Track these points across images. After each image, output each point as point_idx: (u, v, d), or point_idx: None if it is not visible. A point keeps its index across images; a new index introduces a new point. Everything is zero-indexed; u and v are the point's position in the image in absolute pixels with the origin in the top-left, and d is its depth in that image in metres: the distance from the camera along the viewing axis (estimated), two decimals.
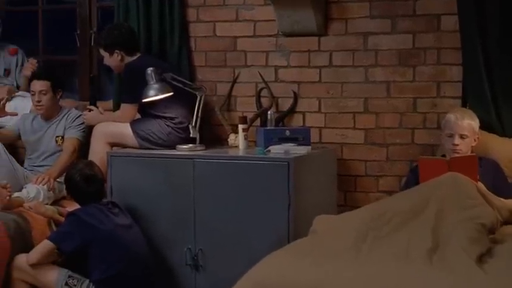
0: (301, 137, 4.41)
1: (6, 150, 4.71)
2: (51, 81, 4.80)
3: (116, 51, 4.62)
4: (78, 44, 5.44)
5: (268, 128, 4.47)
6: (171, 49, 4.87)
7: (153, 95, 4.40)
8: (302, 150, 4.23)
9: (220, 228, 4.17)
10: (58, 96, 4.89)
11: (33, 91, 4.81)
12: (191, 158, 4.26)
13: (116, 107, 4.90)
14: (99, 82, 5.04)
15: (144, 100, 4.45)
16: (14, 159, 4.77)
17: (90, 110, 4.80)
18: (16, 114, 4.91)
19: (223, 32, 4.85)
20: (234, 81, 4.83)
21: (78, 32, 5.44)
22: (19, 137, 5.01)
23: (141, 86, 4.44)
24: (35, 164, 4.91)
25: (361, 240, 2.96)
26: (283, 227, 4.02)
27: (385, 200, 3.52)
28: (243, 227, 4.11)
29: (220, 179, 4.18)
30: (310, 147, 4.32)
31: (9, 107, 5.12)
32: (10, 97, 5.05)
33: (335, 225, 3.31)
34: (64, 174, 4.40)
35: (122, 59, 4.64)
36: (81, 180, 4.01)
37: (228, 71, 4.85)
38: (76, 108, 5.06)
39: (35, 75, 4.88)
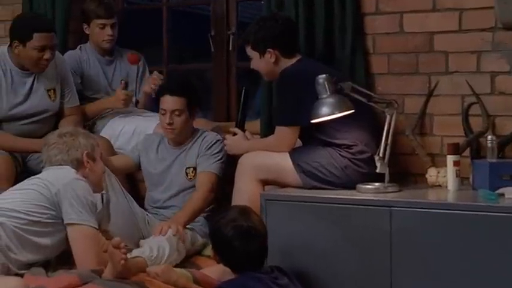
0: None
1: (123, 188, 3.58)
2: (187, 98, 3.69)
3: (269, 49, 3.44)
4: (213, 49, 4.36)
5: (492, 160, 3.13)
6: (341, 51, 3.68)
7: (328, 113, 3.17)
8: None
9: None
10: (194, 116, 3.79)
11: (163, 109, 3.70)
12: (387, 206, 2.99)
13: (266, 130, 3.73)
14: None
15: (313, 121, 3.22)
16: (132, 198, 3.65)
17: (234, 134, 3.61)
18: None
19: (414, 26, 3.64)
20: (430, 94, 3.59)
21: (213, 34, 4.35)
22: (139, 166, 3.88)
23: (305, 101, 3.26)
24: (157, 205, 3.79)
25: None
26: None
27: None
28: None
29: (430, 236, 2.93)
30: None
31: (127, 129, 4.09)
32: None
33: None
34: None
35: (276, 61, 3.46)
36: (236, 237, 2.81)
37: (422, 80, 3.63)
38: (213, 131, 3.91)
39: (168, 89, 3.76)
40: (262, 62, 3.48)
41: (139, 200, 3.85)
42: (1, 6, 4.64)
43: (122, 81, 4.11)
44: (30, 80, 3.86)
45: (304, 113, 3.25)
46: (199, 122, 4.00)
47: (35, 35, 3.69)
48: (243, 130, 3.62)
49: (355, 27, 3.65)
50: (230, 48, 4.28)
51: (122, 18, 4.56)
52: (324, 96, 3.16)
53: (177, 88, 3.71)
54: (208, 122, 4.17)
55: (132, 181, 4.09)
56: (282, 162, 3.35)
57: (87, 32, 4.28)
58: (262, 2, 3.91)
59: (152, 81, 4.12)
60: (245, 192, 3.37)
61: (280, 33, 3.44)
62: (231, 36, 4.27)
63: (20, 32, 3.75)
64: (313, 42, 3.69)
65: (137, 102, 4.31)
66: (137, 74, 4.32)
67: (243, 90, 3.73)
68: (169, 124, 3.66)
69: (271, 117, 3.69)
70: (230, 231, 2.83)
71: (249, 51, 3.51)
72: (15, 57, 3.79)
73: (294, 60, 3.45)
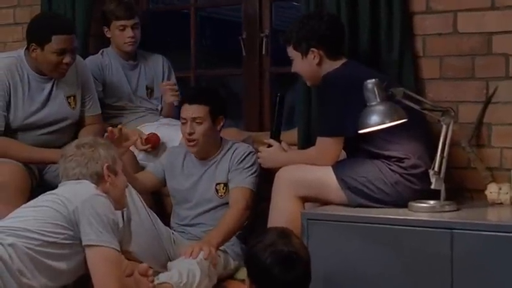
0: None
1: (145, 205, 3.28)
2: (209, 106, 3.40)
3: (313, 49, 3.14)
4: (244, 53, 4.04)
5: None
6: (387, 54, 3.36)
7: (378, 123, 2.85)
8: None
9: None
10: (219, 126, 3.46)
11: (183, 119, 3.42)
12: (448, 228, 2.66)
13: (304, 141, 3.42)
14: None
15: (361, 131, 2.89)
16: (156, 216, 3.34)
17: (269, 146, 3.29)
18: None
19: (470, 26, 3.32)
20: (488, 101, 3.26)
21: (244, 37, 4.03)
22: (164, 182, 3.58)
23: (350, 108, 2.96)
24: (184, 222, 3.49)
25: None
26: None
27: None
28: None
29: (497, 262, 2.60)
30: None
31: None
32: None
33: None
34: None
35: (320, 62, 3.16)
36: (275, 263, 2.46)
37: (478, 86, 3.30)
38: (244, 142, 3.62)
39: (186, 98, 3.51)
40: (305, 64, 3.16)
41: (165, 216, 3.56)
42: (19, 8, 4.41)
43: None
44: (49, 86, 3.58)
45: (349, 121, 2.94)
46: (229, 132, 3.72)
47: (54, 38, 3.42)
48: (279, 141, 3.31)
49: (403, 27, 3.35)
50: (263, 52, 3.97)
51: (147, 20, 4.28)
52: (374, 103, 2.83)
53: (196, 96, 3.45)
54: (240, 131, 3.88)
55: (157, 196, 3.79)
56: (324, 177, 3.02)
57: (108, 36, 4.02)
58: (297, 4, 3.61)
59: (168, 91, 3.86)
60: (283, 210, 3.05)
61: (326, 32, 3.13)
62: (264, 39, 3.96)
63: (37, 34, 3.47)
64: (357, 44, 3.37)
65: (161, 109, 4.03)
66: (162, 80, 4.03)
67: (278, 97, 3.41)
68: (190, 134, 3.37)
69: (310, 126, 3.40)
70: (268, 257, 2.48)
71: (290, 51, 3.20)
72: (33, 61, 3.51)
73: (339, 63, 3.14)
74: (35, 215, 2.71)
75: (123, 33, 3.92)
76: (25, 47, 3.55)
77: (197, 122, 3.38)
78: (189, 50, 4.24)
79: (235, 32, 4.14)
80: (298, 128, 3.49)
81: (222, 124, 3.48)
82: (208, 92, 3.56)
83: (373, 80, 2.84)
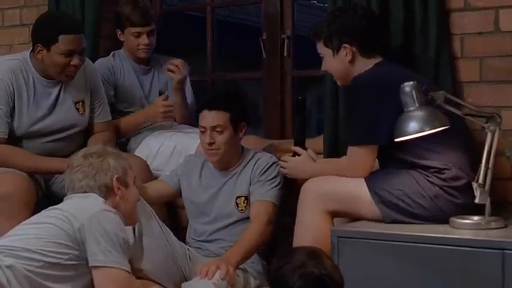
0: None
1: (158, 219, 3.04)
2: (230, 112, 3.16)
3: (345, 45, 2.91)
4: (264, 55, 3.81)
5: None
6: (422, 55, 3.13)
7: (417, 130, 2.59)
8: None
9: None
10: (240, 134, 3.24)
11: (202, 127, 3.18)
12: (499, 248, 2.39)
13: (330, 149, 3.18)
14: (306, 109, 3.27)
15: (398, 139, 2.64)
16: (169, 230, 3.11)
17: (295, 155, 3.05)
18: None
19: None
20: None
21: (265, 38, 3.81)
22: (179, 192, 3.34)
23: (384, 114, 2.73)
24: (201, 238, 3.25)
25: None
26: None
27: None
28: None
29: None
30: None
31: (166, 147, 3.59)
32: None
33: None
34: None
35: (352, 60, 2.93)
36: (305, 287, 2.21)
37: None
38: (265, 150, 3.36)
39: (205, 104, 3.25)
40: (336, 61, 2.92)
41: (180, 231, 3.33)
42: (25, 8, 4.22)
43: (164, 95, 3.60)
44: (56, 90, 3.37)
45: (383, 129, 2.71)
46: (248, 140, 3.47)
47: (61, 37, 3.21)
48: (304, 149, 3.07)
49: (440, 25, 3.11)
50: (285, 54, 3.74)
51: (160, 21, 4.05)
52: (412, 108, 2.58)
53: (216, 101, 3.20)
54: (260, 139, 3.63)
55: (172, 208, 3.56)
56: (356, 190, 2.78)
57: (121, 39, 3.80)
58: (319, 4, 3.36)
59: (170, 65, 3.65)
60: (310, 225, 2.81)
61: (359, 26, 2.89)
62: (286, 40, 3.73)
63: (43, 34, 3.27)
64: (389, 44, 3.13)
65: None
66: None
67: (298, 101, 3.20)
68: (210, 144, 3.13)
69: (337, 133, 3.17)
70: (298, 280, 2.23)
71: (320, 47, 2.96)
72: (39, 63, 3.30)
73: (372, 62, 2.90)
74: (37, 233, 2.49)
75: (137, 40, 3.70)
76: (31, 49, 3.34)
77: (217, 131, 3.14)
78: (201, 54, 4.03)
79: (250, 35, 3.93)
80: (324, 135, 3.25)
81: (243, 132, 3.24)
82: (228, 97, 3.31)
83: (411, 82, 2.59)
